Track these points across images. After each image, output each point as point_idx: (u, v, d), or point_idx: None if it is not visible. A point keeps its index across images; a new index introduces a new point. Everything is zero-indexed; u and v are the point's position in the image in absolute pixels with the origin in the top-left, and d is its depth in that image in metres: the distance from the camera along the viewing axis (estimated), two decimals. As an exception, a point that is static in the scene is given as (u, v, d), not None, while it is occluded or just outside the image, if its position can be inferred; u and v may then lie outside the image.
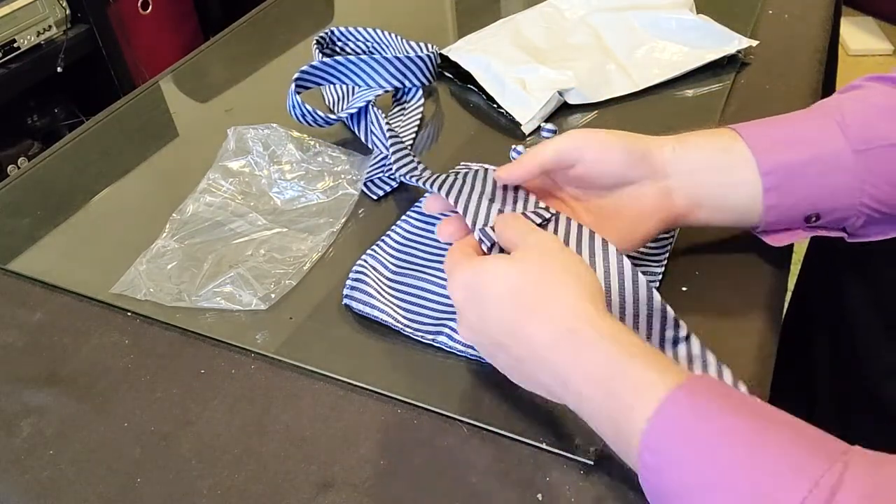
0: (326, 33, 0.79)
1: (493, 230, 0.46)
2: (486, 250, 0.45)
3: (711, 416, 0.33)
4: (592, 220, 0.49)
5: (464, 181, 0.51)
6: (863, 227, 0.49)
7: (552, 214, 0.47)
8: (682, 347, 0.42)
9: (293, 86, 0.68)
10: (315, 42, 0.78)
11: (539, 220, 0.46)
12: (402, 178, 0.57)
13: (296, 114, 0.69)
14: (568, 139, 0.47)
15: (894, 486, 0.29)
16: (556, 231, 0.46)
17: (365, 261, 0.54)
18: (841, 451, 0.31)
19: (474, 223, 0.47)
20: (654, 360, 0.36)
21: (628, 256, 0.53)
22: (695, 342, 0.41)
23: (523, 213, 0.46)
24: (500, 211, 0.48)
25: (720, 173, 0.48)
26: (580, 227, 0.45)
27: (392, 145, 0.61)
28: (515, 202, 0.49)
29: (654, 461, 0.34)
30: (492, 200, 0.49)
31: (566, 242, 0.44)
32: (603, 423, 0.37)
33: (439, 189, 0.50)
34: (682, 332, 0.42)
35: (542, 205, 0.49)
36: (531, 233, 0.42)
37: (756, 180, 0.47)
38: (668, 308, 0.42)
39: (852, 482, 0.29)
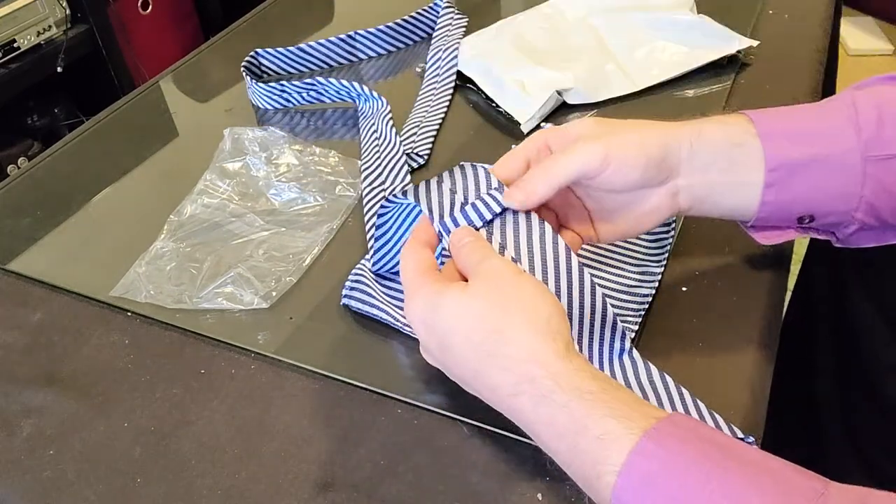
0: (253, 56, 0.79)
1: (453, 222, 0.44)
2: (445, 246, 0.43)
3: (682, 465, 0.32)
4: (593, 210, 0.48)
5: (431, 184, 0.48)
6: (853, 235, 0.48)
7: (503, 209, 0.44)
8: (625, 358, 0.44)
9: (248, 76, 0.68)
10: (244, 67, 0.77)
11: (490, 216, 0.43)
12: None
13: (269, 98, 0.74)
14: (589, 157, 0.43)
15: None
16: (504, 227, 0.43)
17: (363, 265, 0.54)
18: (818, 492, 0.30)
19: (431, 211, 0.45)
20: (617, 405, 0.34)
21: (630, 256, 0.53)
22: (635, 353, 0.44)
23: (479, 199, 0.44)
24: (462, 203, 0.45)
25: (729, 172, 0.46)
26: (542, 223, 0.43)
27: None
28: (477, 186, 0.46)
29: None
30: (453, 190, 0.46)
31: (518, 240, 0.42)
32: (574, 474, 0.36)
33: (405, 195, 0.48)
34: (627, 345, 0.44)
35: (494, 183, 0.45)
36: (484, 260, 0.40)
37: (760, 181, 0.45)
38: (618, 321, 0.43)
39: None
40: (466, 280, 0.41)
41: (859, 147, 0.45)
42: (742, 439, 0.40)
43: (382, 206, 0.51)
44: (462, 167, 0.48)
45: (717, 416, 0.42)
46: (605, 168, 0.43)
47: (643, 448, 0.32)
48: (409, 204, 0.50)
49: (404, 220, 0.52)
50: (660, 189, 0.46)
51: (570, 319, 0.41)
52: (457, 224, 0.44)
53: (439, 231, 0.44)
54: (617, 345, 0.44)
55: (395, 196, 0.48)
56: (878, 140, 0.45)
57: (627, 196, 0.46)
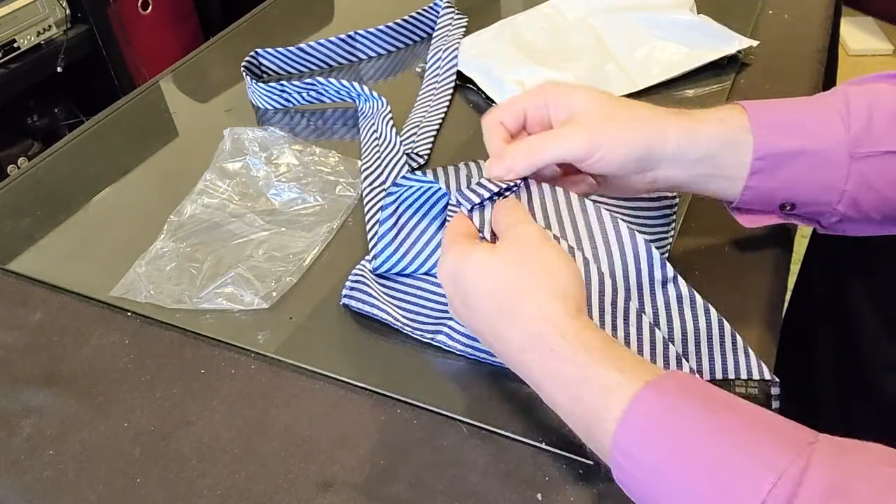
0: (253, 56, 0.79)
1: (472, 192, 0.46)
2: (477, 225, 0.45)
3: (678, 415, 0.33)
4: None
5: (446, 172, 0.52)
6: (837, 223, 0.49)
7: (516, 185, 0.46)
8: (670, 287, 0.44)
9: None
10: (244, 67, 0.78)
11: (496, 189, 0.46)
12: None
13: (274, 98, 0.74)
14: (574, 146, 0.45)
15: (857, 478, 0.29)
16: (530, 197, 0.46)
17: (363, 265, 0.54)
18: (808, 442, 0.31)
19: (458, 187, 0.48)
20: (621, 360, 0.36)
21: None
22: (681, 283, 0.44)
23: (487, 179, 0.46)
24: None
25: (718, 167, 0.47)
26: (553, 189, 0.46)
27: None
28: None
29: (625, 462, 0.34)
30: (469, 176, 0.50)
31: (544, 206, 0.45)
32: (576, 425, 0.38)
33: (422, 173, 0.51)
34: (669, 273, 0.44)
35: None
36: (517, 224, 0.43)
37: (747, 163, 0.47)
38: (654, 249, 0.44)
39: (816, 474, 0.29)
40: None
41: (847, 143, 0.46)
42: (768, 381, 0.42)
43: (389, 193, 0.52)
44: (467, 163, 0.51)
45: (750, 353, 0.43)
46: (587, 158, 0.46)
47: (643, 397, 0.34)
48: (414, 196, 0.52)
49: (411, 216, 0.53)
50: (640, 175, 0.48)
51: (613, 269, 0.43)
52: (465, 197, 0.46)
53: (457, 200, 0.46)
54: (657, 274, 0.44)
55: (406, 177, 0.50)
56: (866, 138, 0.46)
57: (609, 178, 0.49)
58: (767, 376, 0.42)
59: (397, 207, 0.53)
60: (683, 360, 0.42)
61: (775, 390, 0.42)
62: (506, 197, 0.46)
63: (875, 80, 0.50)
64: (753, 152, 0.46)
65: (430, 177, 0.50)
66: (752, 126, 0.46)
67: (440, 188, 0.51)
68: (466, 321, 0.44)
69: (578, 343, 0.37)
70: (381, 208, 0.53)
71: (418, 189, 0.52)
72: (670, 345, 0.42)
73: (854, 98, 0.47)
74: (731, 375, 0.42)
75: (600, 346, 0.37)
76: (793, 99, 0.49)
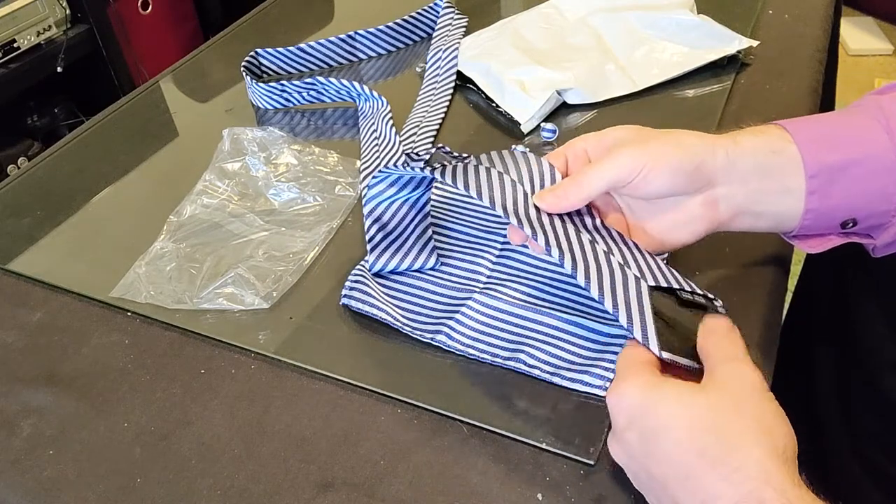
0: (253, 56, 0.79)
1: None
2: (658, 355, 0.41)
3: None
4: (625, 218, 0.48)
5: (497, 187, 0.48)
6: (892, 241, 0.48)
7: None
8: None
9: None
10: (244, 67, 0.78)
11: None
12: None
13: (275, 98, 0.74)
14: (621, 166, 0.44)
15: None
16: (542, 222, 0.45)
17: (363, 265, 0.54)
18: None
19: (493, 202, 0.45)
20: None
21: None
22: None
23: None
24: (526, 193, 0.46)
25: (770, 180, 0.46)
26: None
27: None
28: (532, 177, 0.47)
29: None
30: (514, 180, 0.47)
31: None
32: None
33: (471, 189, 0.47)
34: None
35: (555, 174, 0.47)
36: (734, 361, 0.38)
37: (802, 187, 0.45)
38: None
39: None
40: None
41: (893, 148, 0.44)
42: (712, 299, 0.43)
43: (368, 187, 0.52)
44: (501, 154, 0.48)
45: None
46: (634, 176, 0.44)
47: None
48: (389, 192, 0.52)
49: (394, 214, 0.53)
50: (696, 198, 0.46)
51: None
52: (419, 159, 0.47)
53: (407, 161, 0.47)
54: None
55: (411, 160, 0.49)
56: None
57: (660, 204, 0.46)
58: (710, 295, 0.43)
59: (375, 207, 0.52)
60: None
61: (720, 304, 0.42)
62: (462, 162, 0.46)
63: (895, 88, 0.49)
64: (805, 170, 0.45)
65: (411, 171, 0.49)
66: (797, 144, 0.45)
67: (414, 175, 0.49)
68: (641, 462, 0.38)
69: None
70: (366, 213, 0.53)
71: (393, 182, 0.51)
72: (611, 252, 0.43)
73: (888, 105, 0.46)
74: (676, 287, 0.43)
75: None
76: (826, 114, 0.48)
